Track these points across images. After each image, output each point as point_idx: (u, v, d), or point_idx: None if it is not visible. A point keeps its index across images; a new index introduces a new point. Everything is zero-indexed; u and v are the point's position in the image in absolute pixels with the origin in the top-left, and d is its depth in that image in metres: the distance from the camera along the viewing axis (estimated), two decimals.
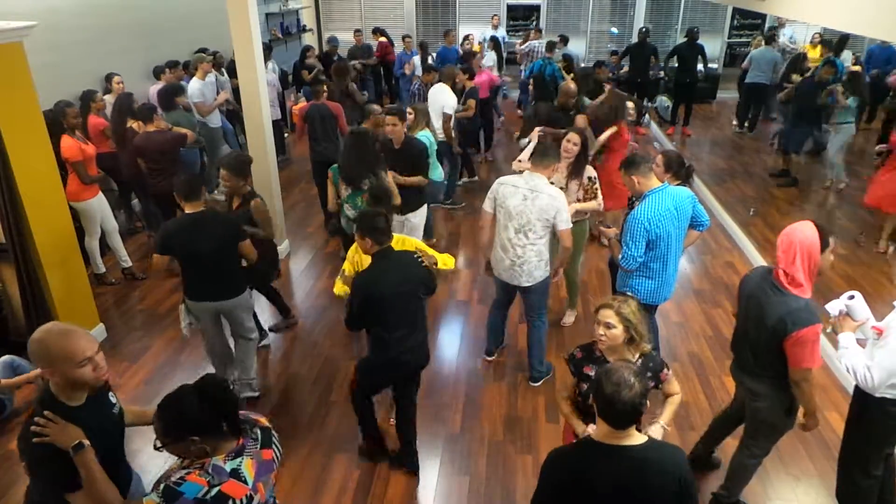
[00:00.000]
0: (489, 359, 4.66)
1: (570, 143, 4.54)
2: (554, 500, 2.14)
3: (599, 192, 4.64)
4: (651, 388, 2.72)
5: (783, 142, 8.08)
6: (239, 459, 1.97)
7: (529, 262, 4.01)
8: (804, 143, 7.91)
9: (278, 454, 2.14)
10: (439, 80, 7.00)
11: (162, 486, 1.88)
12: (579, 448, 2.19)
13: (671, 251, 3.70)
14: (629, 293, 3.80)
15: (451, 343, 4.91)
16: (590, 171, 4.64)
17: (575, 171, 4.58)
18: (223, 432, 1.96)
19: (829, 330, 2.97)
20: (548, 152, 4.01)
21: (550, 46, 9.52)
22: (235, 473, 1.94)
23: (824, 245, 2.70)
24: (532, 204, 3.89)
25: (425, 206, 5.30)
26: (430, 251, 3.73)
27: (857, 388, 2.87)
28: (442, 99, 6.71)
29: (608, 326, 2.60)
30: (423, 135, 5.53)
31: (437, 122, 6.66)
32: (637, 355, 2.67)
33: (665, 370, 2.75)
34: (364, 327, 3.35)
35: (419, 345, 3.39)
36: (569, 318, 5.18)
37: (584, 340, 4.87)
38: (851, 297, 2.83)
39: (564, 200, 3.96)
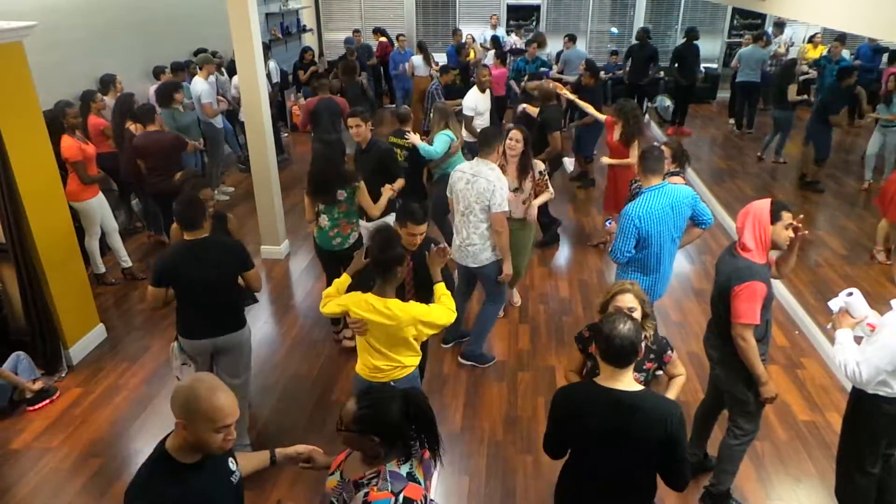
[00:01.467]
0: (445, 346, 4.73)
1: (513, 140, 4.56)
2: (559, 434, 2.37)
3: (549, 183, 4.78)
4: (654, 369, 2.87)
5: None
6: (410, 462, 2.03)
7: (473, 244, 4.21)
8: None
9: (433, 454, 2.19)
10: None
11: None
12: (581, 387, 2.47)
13: (664, 250, 3.75)
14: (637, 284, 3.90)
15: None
16: (538, 164, 4.74)
17: (522, 168, 4.63)
18: (399, 445, 2.02)
19: (829, 326, 3.01)
20: (489, 138, 4.18)
21: (541, 44, 9.46)
22: (411, 476, 2.00)
23: (775, 217, 2.89)
24: (472, 187, 4.10)
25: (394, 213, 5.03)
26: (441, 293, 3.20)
27: (853, 385, 2.90)
28: (466, 100, 6.75)
29: (631, 310, 2.67)
30: (445, 133, 5.49)
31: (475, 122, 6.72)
32: (644, 336, 2.75)
33: (669, 352, 2.87)
34: None
35: None
36: (515, 297, 5.35)
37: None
38: (850, 294, 2.86)
39: (503, 184, 4.08)
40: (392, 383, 2.95)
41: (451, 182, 4.29)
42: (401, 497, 1.92)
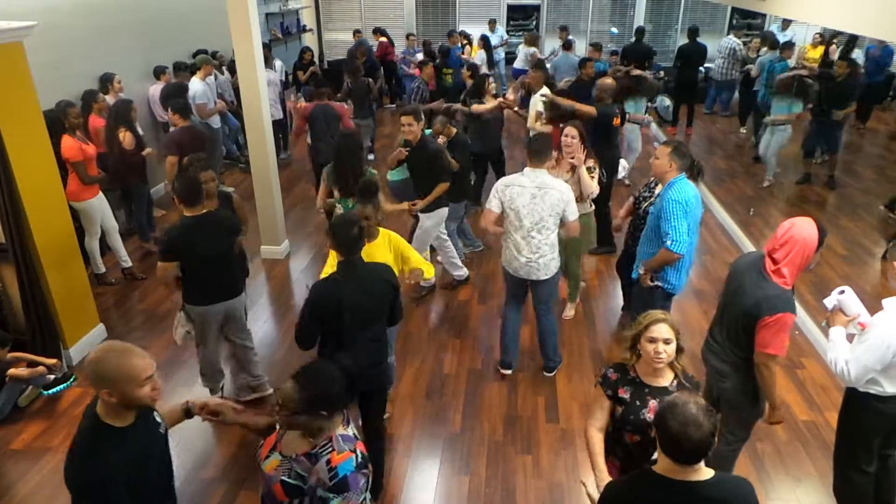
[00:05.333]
0: (506, 372, 4.47)
1: (569, 136, 4.62)
2: None
3: (596, 180, 4.72)
4: None
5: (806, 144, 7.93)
6: (351, 425, 2.18)
7: (545, 255, 4.04)
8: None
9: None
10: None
11: (324, 487, 1.99)
12: (637, 481, 2.05)
13: (696, 238, 3.77)
14: (659, 283, 3.85)
15: (451, 343, 4.91)
16: (589, 161, 4.74)
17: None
18: (341, 411, 2.13)
19: (823, 324, 3.02)
20: (543, 148, 4.06)
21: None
22: (356, 436, 2.16)
23: (819, 245, 2.80)
24: (542, 201, 3.93)
25: (444, 209, 5.16)
26: (416, 260, 3.71)
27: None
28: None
29: (667, 342, 2.42)
30: None
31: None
32: (673, 376, 2.53)
33: (699, 392, 2.62)
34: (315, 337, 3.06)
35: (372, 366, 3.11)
36: (569, 312, 5.21)
37: (583, 337, 4.91)
38: (842, 292, 2.87)
39: (571, 192, 4.03)
40: None
41: (504, 199, 4.00)
42: (358, 452, 2.07)
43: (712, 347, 3.12)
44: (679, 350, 2.47)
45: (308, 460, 2.03)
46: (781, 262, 2.77)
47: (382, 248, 3.61)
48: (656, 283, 3.85)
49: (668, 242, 3.62)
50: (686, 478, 1.88)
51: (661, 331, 2.41)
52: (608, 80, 6.19)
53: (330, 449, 2.03)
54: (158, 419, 2.24)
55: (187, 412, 2.42)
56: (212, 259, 3.70)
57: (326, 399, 2.03)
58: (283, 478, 2.03)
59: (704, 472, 1.90)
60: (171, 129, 5.90)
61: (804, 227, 2.77)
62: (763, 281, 2.80)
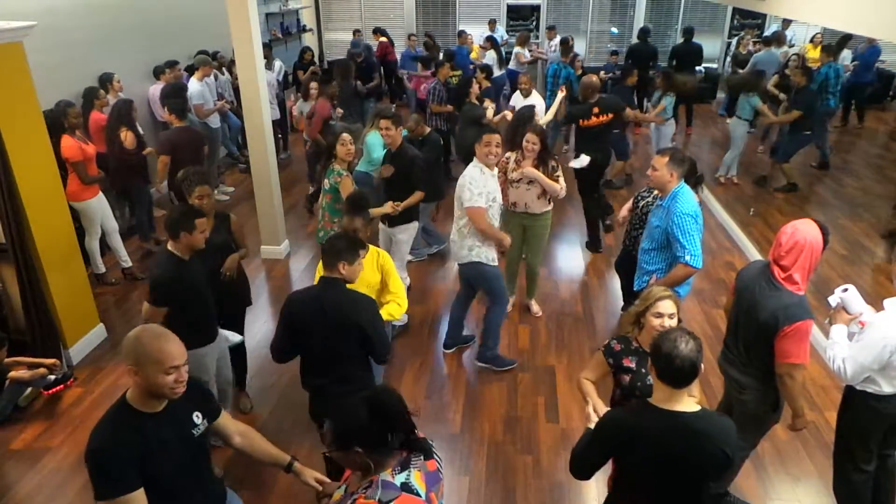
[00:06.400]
0: (447, 352, 4.76)
1: (530, 143, 4.64)
2: (606, 457, 2.30)
3: (562, 179, 4.74)
4: None
5: (779, 151, 7.97)
6: (406, 472, 1.89)
7: (454, 241, 4.34)
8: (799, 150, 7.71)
9: (440, 465, 2.03)
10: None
11: None
12: (634, 409, 2.30)
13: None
14: (672, 291, 3.81)
15: None
16: (552, 162, 4.77)
17: (540, 164, 4.69)
18: (389, 446, 1.88)
19: (826, 321, 3.02)
20: (471, 143, 4.35)
21: (566, 51, 9.46)
22: (406, 487, 1.85)
23: (825, 245, 2.75)
24: (457, 188, 4.25)
25: (415, 222, 5.11)
26: (395, 287, 3.57)
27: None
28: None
29: (671, 317, 2.57)
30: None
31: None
32: None
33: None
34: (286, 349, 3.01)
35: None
36: (535, 308, 5.29)
37: (583, 337, 4.91)
38: (845, 290, 2.87)
39: (473, 180, 4.12)
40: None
41: None
42: None
43: (730, 358, 3.06)
44: (679, 322, 2.63)
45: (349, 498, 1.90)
46: (791, 268, 2.72)
47: (369, 264, 3.48)
48: None
49: (687, 258, 3.49)
50: (675, 408, 2.11)
51: (667, 307, 2.59)
52: (593, 79, 6.28)
53: (362, 492, 1.84)
54: (197, 421, 2.21)
55: (288, 468, 2.41)
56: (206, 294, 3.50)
57: (350, 434, 1.86)
58: None
59: (692, 405, 2.14)
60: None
61: (807, 230, 2.71)
62: (775, 290, 2.75)
